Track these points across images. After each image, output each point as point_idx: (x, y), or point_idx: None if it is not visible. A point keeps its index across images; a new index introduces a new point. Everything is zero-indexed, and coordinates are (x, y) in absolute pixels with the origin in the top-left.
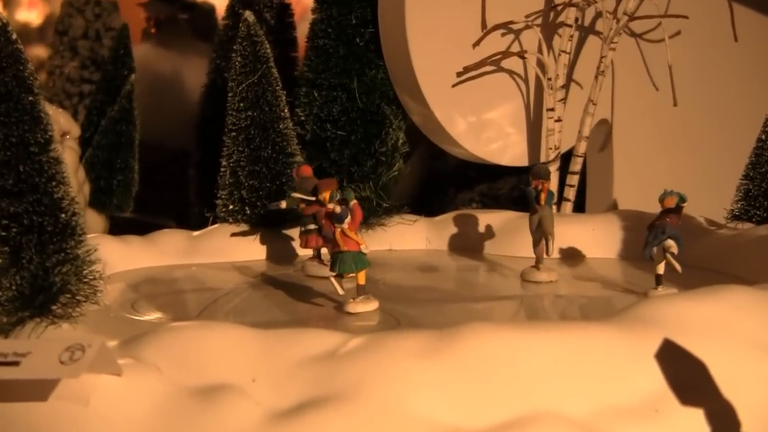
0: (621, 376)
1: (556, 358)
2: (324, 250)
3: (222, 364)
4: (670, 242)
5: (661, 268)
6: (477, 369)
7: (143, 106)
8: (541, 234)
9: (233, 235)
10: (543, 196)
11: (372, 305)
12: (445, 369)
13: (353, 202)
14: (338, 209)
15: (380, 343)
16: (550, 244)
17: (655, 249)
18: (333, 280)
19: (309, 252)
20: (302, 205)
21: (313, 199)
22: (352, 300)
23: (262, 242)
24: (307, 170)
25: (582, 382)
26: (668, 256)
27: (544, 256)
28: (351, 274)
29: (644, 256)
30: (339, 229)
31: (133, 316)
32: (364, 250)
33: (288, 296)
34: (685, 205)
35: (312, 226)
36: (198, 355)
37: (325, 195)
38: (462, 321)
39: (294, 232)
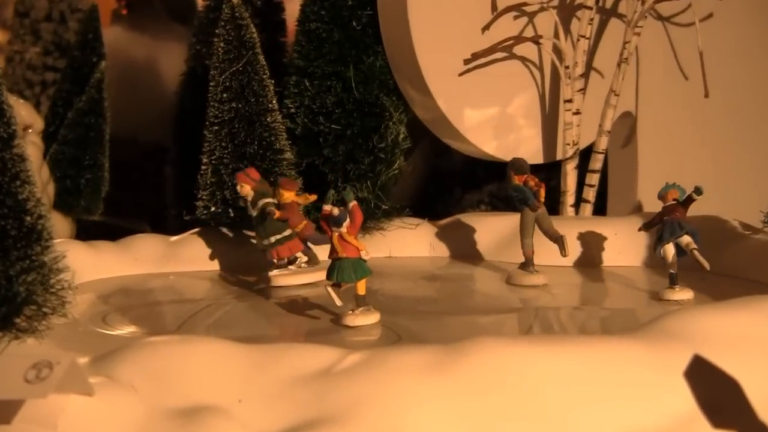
0: (646, 396)
1: (574, 376)
2: (300, 255)
3: (204, 383)
4: (688, 238)
5: (674, 266)
6: (486, 389)
7: (114, 96)
8: (538, 236)
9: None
10: (542, 192)
11: (372, 318)
12: (450, 388)
13: (352, 204)
14: (336, 211)
15: (380, 359)
16: (567, 244)
17: (666, 246)
18: (330, 289)
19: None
20: (275, 211)
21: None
22: (350, 312)
23: (248, 248)
24: (255, 173)
25: (603, 403)
26: (695, 253)
27: (563, 253)
28: (350, 284)
29: (655, 254)
30: (337, 234)
31: (104, 330)
32: (365, 257)
33: (277, 308)
34: (698, 199)
35: (287, 232)
36: (177, 373)
37: (288, 195)
38: (469, 335)
39: None
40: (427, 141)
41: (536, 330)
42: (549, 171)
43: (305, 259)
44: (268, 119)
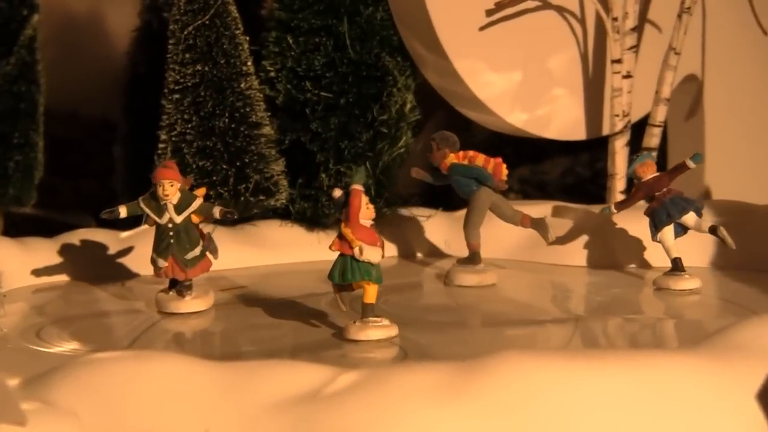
0: (710, 422)
1: (624, 398)
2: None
3: (163, 408)
4: (694, 216)
5: (676, 250)
6: (511, 417)
7: (50, 59)
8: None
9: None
10: (502, 170)
11: (382, 332)
12: (466, 416)
13: (353, 187)
14: (337, 194)
15: (379, 380)
16: (549, 226)
17: (666, 228)
18: (335, 292)
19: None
20: (150, 221)
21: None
22: (353, 322)
23: (218, 246)
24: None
25: (659, 430)
26: (722, 231)
27: (547, 238)
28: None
29: (653, 239)
30: (343, 224)
31: (39, 347)
32: (357, 255)
33: (254, 319)
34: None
35: (198, 251)
36: (129, 397)
37: (199, 193)
38: (490, 350)
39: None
40: (442, 113)
41: (576, 344)
42: (593, 149)
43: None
44: (242, 85)
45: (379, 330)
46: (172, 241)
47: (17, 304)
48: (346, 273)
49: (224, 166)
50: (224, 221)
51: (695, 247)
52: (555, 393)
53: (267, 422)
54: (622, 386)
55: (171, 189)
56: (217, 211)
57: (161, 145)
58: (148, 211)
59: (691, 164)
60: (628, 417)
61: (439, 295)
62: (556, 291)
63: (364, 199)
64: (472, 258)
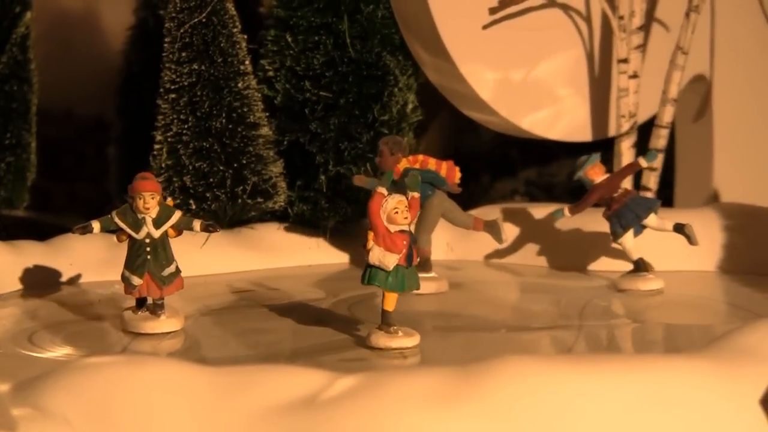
0: (715, 426)
1: (627, 402)
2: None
3: (156, 414)
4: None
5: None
6: (513, 422)
7: (43, 57)
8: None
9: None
10: (456, 173)
11: (399, 341)
12: (467, 422)
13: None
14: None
15: (378, 384)
16: (501, 226)
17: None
18: None
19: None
20: (122, 236)
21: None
22: (377, 330)
23: (213, 250)
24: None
25: None
26: (691, 228)
27: (499, 239)
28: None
29: (615, 241)
30: None
31: (30, 352)
32: (366, 256)
33: (251, 324)
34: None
35: (174, 267)
36: (122, 403)
37: (150, 202)
38: (492, 355)
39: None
40: (446, 114)
41: (581, 348)
42: (599, 151)
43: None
44: (240, 85)
45: (396, 340)
46: (149, 257)
47: (8, 309)
48: (363, 276)
49: (221, 168)
50: (221, 222)
51: (701, 251)
52: (556, 397)
53: (263, 428)
54: (625, 391)
55: (152, 202)
56: (197, 225)
57: (157, 146)
58: (123, 226)
59: (643, 163)
60: (631, 421)
61: (441, 299)
62: (556, 295)
63: (391, 203)
64: (424, 265)
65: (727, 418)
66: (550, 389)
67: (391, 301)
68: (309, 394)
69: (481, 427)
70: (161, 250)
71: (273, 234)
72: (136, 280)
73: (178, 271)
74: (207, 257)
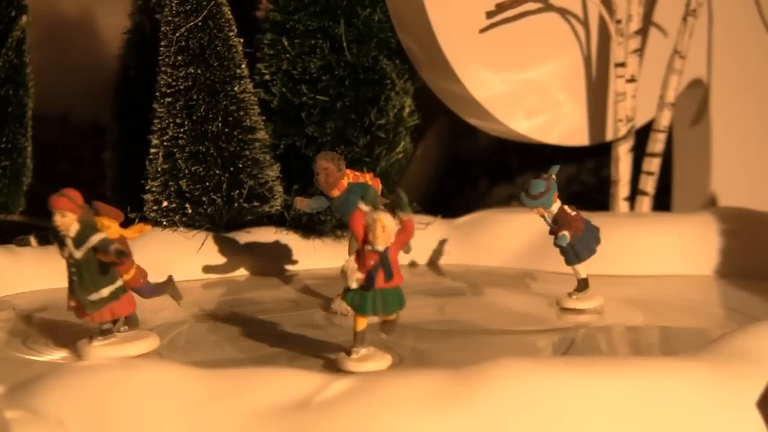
0: (711, 429)
1: (622, 406)
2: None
3: (152, 416)
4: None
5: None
6: (507, 422)
7: (39, 61)
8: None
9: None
10: (379, 186)
11: (368, 365)
12: (460, 425)
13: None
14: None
15: (372, 387)
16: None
17: None
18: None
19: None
20: (123, 250)
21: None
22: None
23: (210, 255)
24: (78, 196)
25: None
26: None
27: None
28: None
29: (570, 264)
30: None
31: (25, 355)
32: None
33: (245, 329)
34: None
35: (120, 283)
36: (117, 405)
37: (114, 227)
38: (487, 357)
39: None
40: (443, 119)
41: (575, 352)
42: (598, 157)
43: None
44: (236, 89)
45: (363, 365)
46: (74, 278)
47: (4, 312)
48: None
49: (217, 172)
50: (217, 227)
51: (699, 255)
52: (551, 400)
53: (258, 430)
54: (621, 393)
55: (62, 220)
56: (112, 251)
57: (153, 150)
58: (56, 242)
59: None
60: (626, 424)
61: (438, 303)
62: (551, 299)
63: (376, 222)
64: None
65: (724, 420)
66: (545, 391)
67: (359, 322)
68: (304, 396)
69: (475, 429)
70: (86, 272)
71: (269, 238)
72: (68, 302)
73: (113, 296)
74: (203, 262)
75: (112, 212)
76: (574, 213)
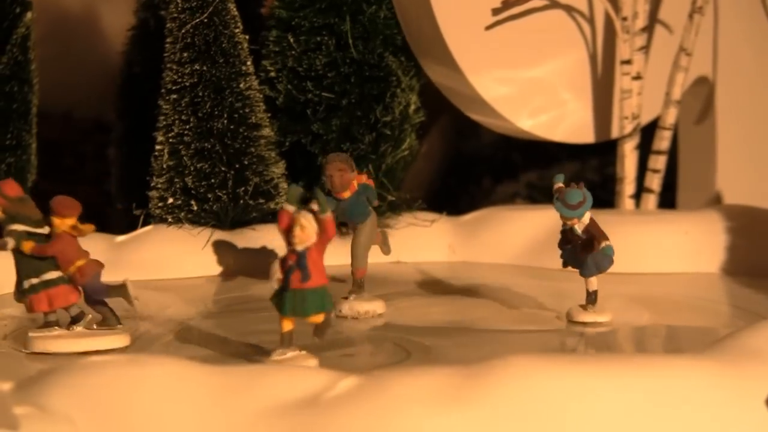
0: (720, 427)
1: (632, 403)
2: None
3: (160, 412)
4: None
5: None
6: (515, 419)
7: (44, 58)
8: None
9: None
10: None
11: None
12: (469, 421)
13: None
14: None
15: (382, 383)
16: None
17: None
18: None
19: None
20: (29, 244)
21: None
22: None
23: (216, 252)
24: (13, 187)
25: None
26: None
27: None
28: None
29: (586, 276)
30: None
31: (30, 351)
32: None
33: (251, 326)
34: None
35: (51, 275)
36: (124, 402)
37: (60, 222)
38: (495, 354)
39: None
40: (447, 116)
41: (583, 349)
42: (602, 155)
43: (97, 318)
44: (241, 85)
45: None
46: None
47: (8, 310)
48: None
49: (223, 168)
50: (222, 223)
51: (705, 252)
52: (559, 397)
53: (265, 428)
54: (630, 391)
55: None
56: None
57: (158, 147)
58: None
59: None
60: (635, 422)
61: (444, 300)
62: (558, 297)
63: (295, 222)
64: (360, 287)
65: (733, 418)
66: (553, 389)
67: (283, 324)
68: (313, 393)
69: (484, 427)
70: (20, 261)
71: (275, 235)
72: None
73: (46, 285)
74: (208, 258)
75: (65, 208)
76: None
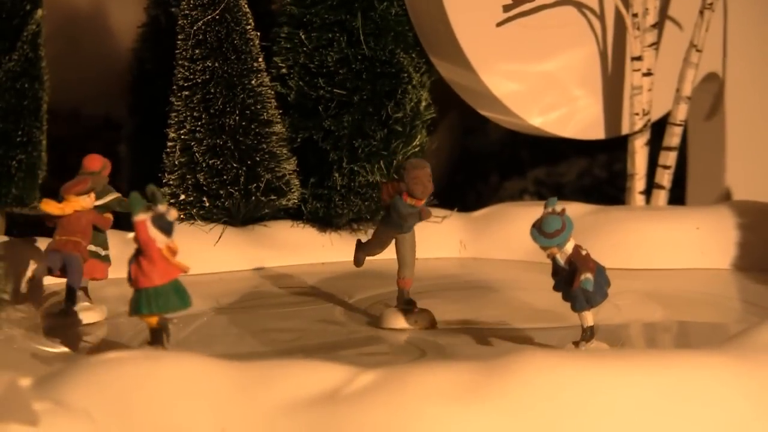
0: (735, 422)
1: (648, 398)
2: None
3: (177, 408)
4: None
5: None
6: (533, 417)
7: (54, 55)
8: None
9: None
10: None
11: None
12: (487, 416)
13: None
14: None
15: (399, 379)
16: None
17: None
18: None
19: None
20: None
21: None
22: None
23: (228, 247)
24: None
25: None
26: None
27: None
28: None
29: (577, 311)
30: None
31: (47, 348)
32: None
33: (267, 322)
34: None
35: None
36: (143, 397)
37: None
38: (512, 350)
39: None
40: (457, 111)
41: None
42: (610, 151)
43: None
44: (253, 82)
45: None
46: None
47: (22, 305)
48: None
49: (235, 165)
50: (234, 220)
51: (716, 248)
52: (577, 392)
53: (284, 422)
54: (646, 386)
55: None
56: None
57: (170, 144)
58: None
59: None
60: (651, 417)
61: (456, 296)
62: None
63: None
64: (405, 298)
65: (748, 414)
66: (571, 384)
67: (148, 322)
68: (330, 389)
69: (502, 422)
70: None
71: (286, 232)
72: None
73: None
74: (220, 255)
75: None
76: (584, 252)
